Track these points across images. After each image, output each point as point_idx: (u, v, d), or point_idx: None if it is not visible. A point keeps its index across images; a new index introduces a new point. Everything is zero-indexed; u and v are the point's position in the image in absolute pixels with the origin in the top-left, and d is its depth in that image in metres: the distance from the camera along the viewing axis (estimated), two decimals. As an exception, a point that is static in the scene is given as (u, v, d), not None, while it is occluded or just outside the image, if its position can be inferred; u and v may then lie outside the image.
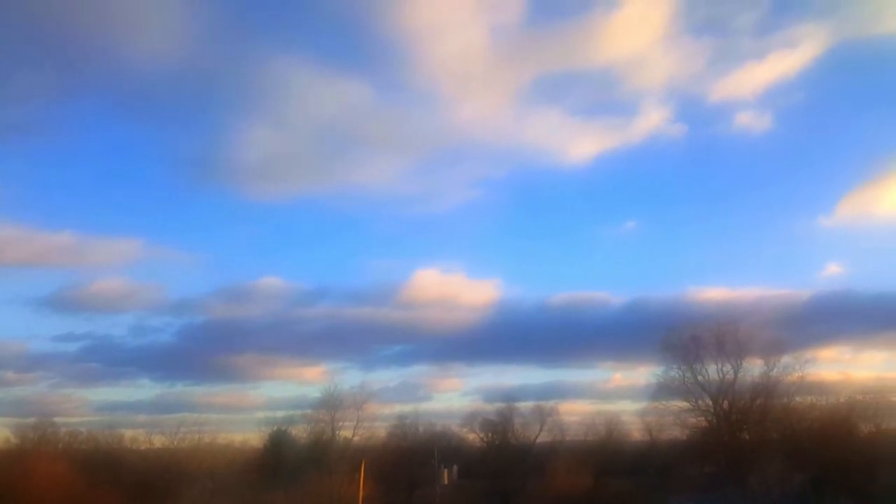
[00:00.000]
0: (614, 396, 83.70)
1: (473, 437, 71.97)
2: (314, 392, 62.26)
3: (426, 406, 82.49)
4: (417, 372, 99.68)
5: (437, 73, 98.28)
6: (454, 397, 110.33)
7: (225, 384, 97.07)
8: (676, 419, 56.35)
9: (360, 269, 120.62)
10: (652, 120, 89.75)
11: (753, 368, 53.97)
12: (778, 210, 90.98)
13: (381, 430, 63.91)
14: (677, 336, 54.58)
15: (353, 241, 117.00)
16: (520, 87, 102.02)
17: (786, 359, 52.83)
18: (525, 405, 68.32)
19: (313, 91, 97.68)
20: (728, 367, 53.91)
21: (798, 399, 53.78)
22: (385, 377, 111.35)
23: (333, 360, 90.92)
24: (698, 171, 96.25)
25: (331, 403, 57.34)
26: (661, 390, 55.80)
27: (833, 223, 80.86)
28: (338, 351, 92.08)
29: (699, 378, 54.38)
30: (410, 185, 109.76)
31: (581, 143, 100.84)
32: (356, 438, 57.02)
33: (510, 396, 69.73)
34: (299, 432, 60.00)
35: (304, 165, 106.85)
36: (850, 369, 72.68)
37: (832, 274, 79.79)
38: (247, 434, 68.81)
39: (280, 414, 63.86)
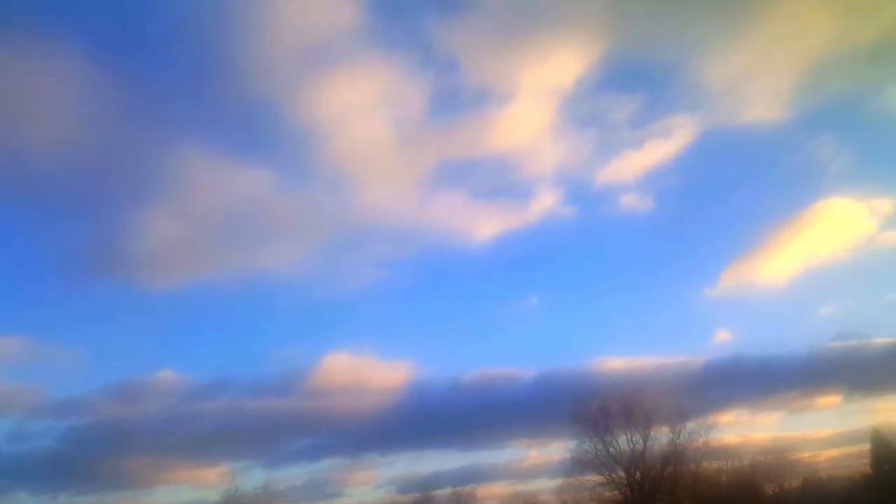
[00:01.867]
0: (531, 475, 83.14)
1: (389, 533, 69.66)
2: (214, 495, 58.53)
3: (338, 503, 78.77)
4: (327, 466, 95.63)
5: (343, 159, 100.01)
6: (367, 491, 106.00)
7: (114, 492, 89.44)
8: (592, 494, 56.30)
9: (264, 359, 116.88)
10: (545, 202, 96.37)
11: (661, 437, 55.11)
12: (667, 282, 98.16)
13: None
14: (586, 408, 55.25)
15: (256, 329, 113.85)
16: (423, 173, 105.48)
17: (690, 425, 54.35)
18: (442, 493, 66.78)
19: (216, 178, 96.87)
20: (637, 437, 54.89)
21: (705, 464, 55.29)
22: (292, 474, 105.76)
23: (235, 459, 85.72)
24: (591, 248, 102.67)
25: None
26: (576, 465, 55.95)
27: (718, 293, 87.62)
28: (239, 448, 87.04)
29: (611, 450, 55.03)
30: (316, 268, 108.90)
31: (482, 225, 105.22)
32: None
33: (426, 485, 68.22)
34: (199, 540, 56.48)
35: (204, 253, 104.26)
36: (749, 431, 75.81)
37: (722, 341, 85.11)
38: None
39: None
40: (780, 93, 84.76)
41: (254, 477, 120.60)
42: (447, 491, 66.95)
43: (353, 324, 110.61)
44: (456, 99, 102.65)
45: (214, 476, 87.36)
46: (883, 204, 78.11)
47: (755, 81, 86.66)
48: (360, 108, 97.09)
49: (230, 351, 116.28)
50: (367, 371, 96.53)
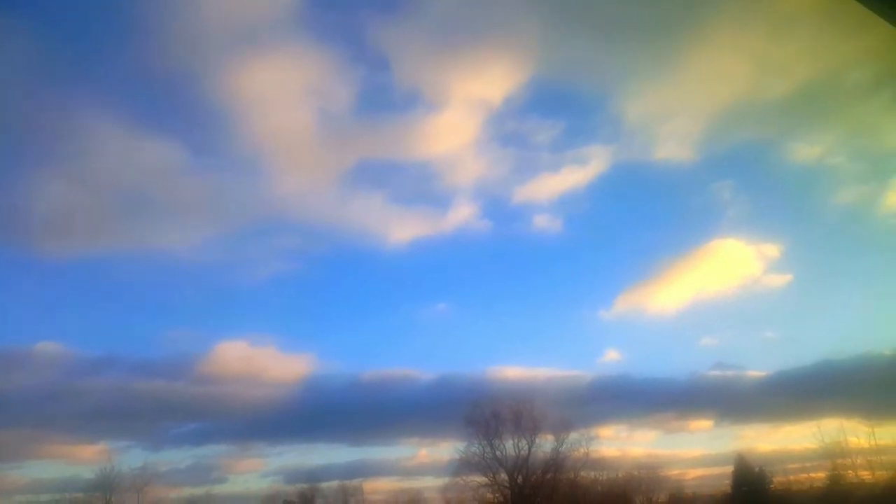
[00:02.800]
0: (419, 473, 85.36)
1: (272, 520, 70.01)
2: (88, 473, 57.52)
3: (220, 489, 78.28)
4: (213, 452, 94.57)
5: (260, 146, 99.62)
6: (253, 479, 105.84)
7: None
8: (475, 494, 59.35)
9: (155, 339, 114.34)
10: (463, 213, 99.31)
11: (545, 444, 58.63)
12: (567, 301, 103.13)
13: (165, 516, 60.65)
14: (479, 412, 58.46)
15: (151, 308, 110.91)
16: (342, 170, 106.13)
17: (573, 435, 58.12)
18: (329, 485, 67.18)
19: (122, 147, 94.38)
20: (523, 443, 58.31)
21: (583, 473, 59.07)
22: (175, 458, 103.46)
23: (115, 438, 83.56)
24: (502, 261, 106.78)
25: (106, 485, 53.97)
26: (463, 466, 58.84)
27: (611, 316, 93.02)
28: (121, 428, 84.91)
29: (497, 453, 58.26)
30: (221, 253, 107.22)
31: (398, 229, 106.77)
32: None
33: (314, 476, 68.16)
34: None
35: (101, 224, 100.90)
36: (627, 446, 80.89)
37: (611, 360, 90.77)
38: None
39: (45, 498, 58.56)
40: (689, 135, 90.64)
41: (133, 457, 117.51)
42: (334, 483, 67.53)
43: (254, 314, 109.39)
44: (384, 100, 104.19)
45: (91, 454, 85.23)
46: (770, 249, 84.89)
47: (669, 122, 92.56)
48: (283, 96, 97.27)
49: (120, 328, 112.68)
50: (263, 361, 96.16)
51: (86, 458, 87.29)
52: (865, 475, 52.48)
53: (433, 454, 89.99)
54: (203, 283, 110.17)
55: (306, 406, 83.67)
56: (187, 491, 68.25)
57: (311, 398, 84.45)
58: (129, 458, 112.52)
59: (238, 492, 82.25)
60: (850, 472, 53.05)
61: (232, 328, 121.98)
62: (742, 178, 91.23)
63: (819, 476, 56.44)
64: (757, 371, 76.55)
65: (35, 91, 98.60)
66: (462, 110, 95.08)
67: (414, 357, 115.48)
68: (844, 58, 71.04)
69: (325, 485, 67.10)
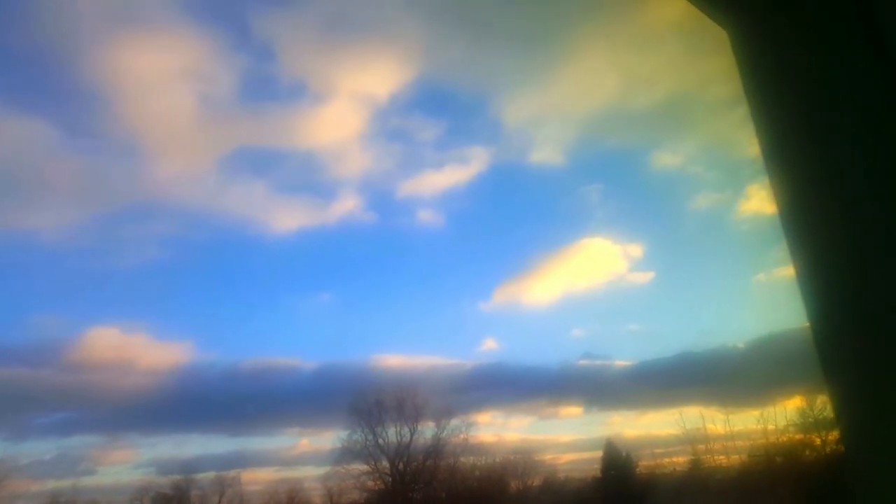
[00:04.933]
0: (300, 462, 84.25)
1: (143, 513, 67.11)
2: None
3: (89, 481, 73.80)
4: (80, 443, 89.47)
5: (136, 128, 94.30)
6: (124, 471, 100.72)
7: None
8: (356, 482, 59.36)
9: (18, 324, 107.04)
10: (347, 205, 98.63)
11: (427, 431, 59.56)
12: (447, 293, 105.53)
13: (26, 511, 56.96)
14: (362, 400, 58.44)
15: (14, 292, 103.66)
16: (223, 156, 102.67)
17: (454, 422, 59.30)
18: (205, 476, 64.89)
19: None
20: (406, 430, 58.92)
21: (462, 459, 60.30)
22: (39, 449, 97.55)
23: (-32, 429, 78.07)
24: (386, 254, 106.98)
25: None
26: (345, 454, 58.74)
27: (489, 308, 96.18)
28: (-22, 418, 79.36)
29: (380, 441, 58.56)
30: (92, 237, 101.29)
31: (282, 218, 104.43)
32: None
33: (189, 468, 65.36)
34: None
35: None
36: (503, 432, 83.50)
37: (489, 349, 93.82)
38: None
39: None
40: (562, 140, 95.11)
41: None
42: (210, 474, 65.18)
43: (127, 300, 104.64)
44: (269, 88, 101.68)
45: (-60, 444, 79.35)
46: (634, 248, 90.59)
47: (544, 128, 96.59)
48: (161, 78, 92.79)
49: None
50: (136, 349, 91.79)
51: None
52: (722, 459, 56.73)
53: (315, 444, 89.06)
54: (72, 268, 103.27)
55: (182, 396, 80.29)
56: (53, 484, 64.02)
57: (188, 388, 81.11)
58: None
59: (108, 484, 77.81)
60: (708, 456, 57.02)
61: (103, 315, 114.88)
62: (610, 182, 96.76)
63: (681, 460, 60.41)
64: (623, 361, 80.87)
65: None
66: (348, 104, 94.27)
67: (297, 346, 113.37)
68: (704, 75, 76.39)
69: (200, 476, 64.76)
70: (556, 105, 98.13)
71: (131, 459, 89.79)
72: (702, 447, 56.89)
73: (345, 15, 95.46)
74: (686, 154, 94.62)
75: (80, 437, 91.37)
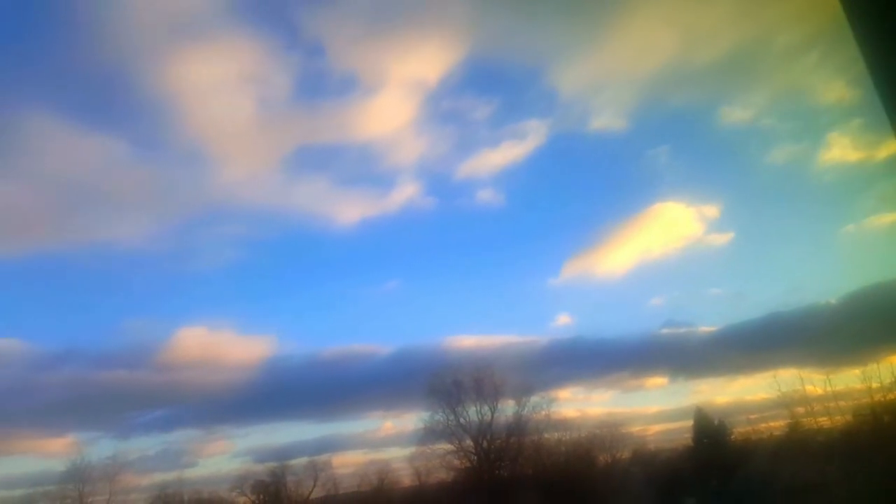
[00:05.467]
0: (385, 444, 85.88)
1: (244, 500, 68.97)
2: (59, 466, 56.69)
3: (191, 473, 76.90)
4: (181, 437, 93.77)
5: (201, 136, 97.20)
6: (222, 461, 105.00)
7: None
8: (442, 461, 59.29)
9: (114, 331, 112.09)
10: (407, 192, 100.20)
11: (507, 409, 58.65)
12: (515, 271, 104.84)
13: (138, 503, 59.67)
14: (440, 381, 57.94)
15: (107, 300, 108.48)
16: (284, 156, 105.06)
17: (534, 399, 58.15)
18: (298, 462, 66.89)
19: (64, 144, 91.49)
20: (486, 409, 58.17)
21: (546, 435, 59.19)
22: (143, 445, 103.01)
23: (83, 430, 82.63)
24: (448, 236, 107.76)
25: (78, 477, 53.52)
26: (428, 435, 58.62)
27: (560, 282, 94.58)
28: (87, 419, 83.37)
29: (461, 420, 58.03)
30: (172, 243, 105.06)
31: (344, 211, 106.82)
32: (110, 514, 52.86)
33: (282, 455, 68.02)
34: (41, 513, 54.37)
35: (49, 220, 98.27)
36: (586, 406, 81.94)
37: (563, 324, 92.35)
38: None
39: (19, 493, 57.74)
40: (623, 105, 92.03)
41: (102, 448, 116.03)
42: (303, 460, 67.17)
43: (209, 300, 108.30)
44: (321, 85, 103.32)
45: (60, 447, 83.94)
46: (709, 210, 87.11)
47: (602, 93, 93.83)
48: (220, 85, 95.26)
49: (79, 321, 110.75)
50: (223, 345, 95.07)
51: (55, 452, 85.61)
52: (824, 421, 53.55)
53: (398, 425, 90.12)
54: (156, 273, 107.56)
55: (269, 386, 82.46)
56: (158, 477, 67.45)
57: (274, 378, 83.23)
58: (98, 448, 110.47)
59: (209, 474, 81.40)
60: (808, 419, 53.98)
61: (189, 315, 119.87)
62: (677, 143, 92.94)
63: (778, 425, 57.52)
64: (707, 326, 78.03)
65: None
66: (399, 91, 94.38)
67: (371, 333, 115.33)
68: (769, 22, 72.24)
69: (294, 462, 66.75)
70: (614, 68, 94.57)
71: (228, 450, 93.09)
72: (800, 410, 53.95)
73: (388, 3, 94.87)
74: (757, 106, 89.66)
75: (180, 432, 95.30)
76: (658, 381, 78.88)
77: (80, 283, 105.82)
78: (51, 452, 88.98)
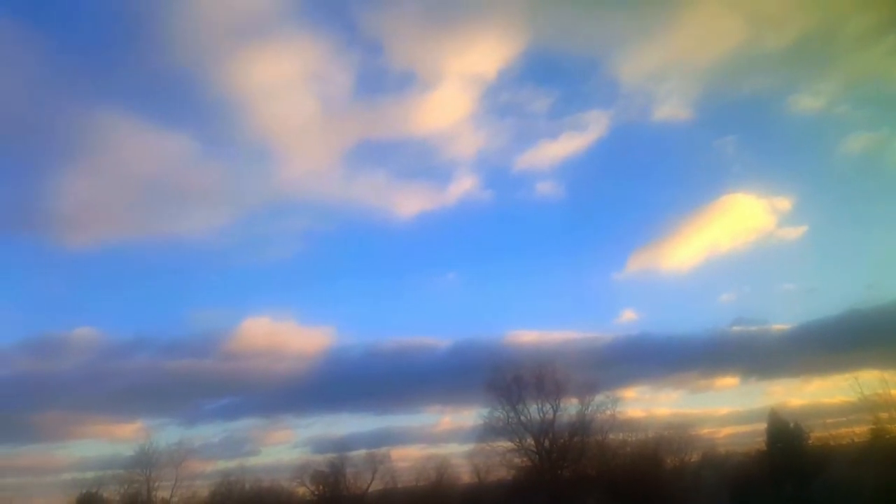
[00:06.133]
0: (444, 440, 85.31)
1: (304, 490, 69.24)
2: (128, 451, 58.29)
3: (253, 461, 78.35)
4: (244, 426, 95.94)
5: (266, 132, 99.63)
6: (283, 450, 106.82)
7: (27, 444, 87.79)
8: (502, 459, 57.87)
9: (183, 320, 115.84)
10: (465, 185, 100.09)
11: (570, 408, 56.77)
12: (577, 264, 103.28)
13: (203, 489, 60.79)
14: (501, 377, 56.48)
15: (175, 291, 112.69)
16: (346, 151, 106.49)
17: (598, 398, 56.10)
18: (357, 454, 67.12)
19: (137, 142, 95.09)
20: (548, 407, 56.46)
21: (611, 436, 57.12)
22: (208, 432, 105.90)
23: (151, 416, 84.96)
24: (507, 229, 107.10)
25: (146, 462, 54.73)
26: (488, 431, 57.26)
27: (625, 276, 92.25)
28: (156, 406, 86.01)
29: (522, 418, 56.47)
30: (238, 237, 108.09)
31: (404, 203, 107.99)
32: (175, 499, 54.38)
33: (341, 446, 68.28)
34: (111, 495, 56.07)
35: (125, 215, 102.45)
36: (652, 407, 79.34)
37: (628, 320, 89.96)
38: (52, 498, 62.33)
39: (90, 475, 58.89)
40: (688, 94, 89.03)
41: (169, 434, 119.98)
42: (362, 452, 67.26)
43: (274, 291, 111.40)
44: (380, 81, 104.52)
45: (129, 432, 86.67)
46: (781, 202, 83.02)
47: (665, 82, 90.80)
48: (284, 83, 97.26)
49: (149, 311, 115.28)
50: (286, 336, 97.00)
51: (125, 436, 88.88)
52: (910, 428, 50.03)
53: (456, 421, 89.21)
54: (223, 265, 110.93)
55: (329, 377, 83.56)
56: (222, 464, 69.10)
57: (333, 369, 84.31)
58: (165, 434, 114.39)
59: (270, 463, 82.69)
60: (893, 425, 50.53)
61: (254, 306, 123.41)
62: (745, 132, 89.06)
63: (860, 431, 54.03)
64: (780, 325, 74.62)
65: (54, 93, 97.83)
66: (457, 85, 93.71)
67: (429, 325, 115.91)
68: (840, 8, 68.03)
69: (353, 454, 67.07)
70: (677, 57, 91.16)
71: (289, 439, 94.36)
72: (884, 415, 50.47)
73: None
74: (829, 94, 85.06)
75: (243, 421, 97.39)
76: (729, 382, 76.02)
77: (151, 275, 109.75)
78: (121, 437, 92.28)
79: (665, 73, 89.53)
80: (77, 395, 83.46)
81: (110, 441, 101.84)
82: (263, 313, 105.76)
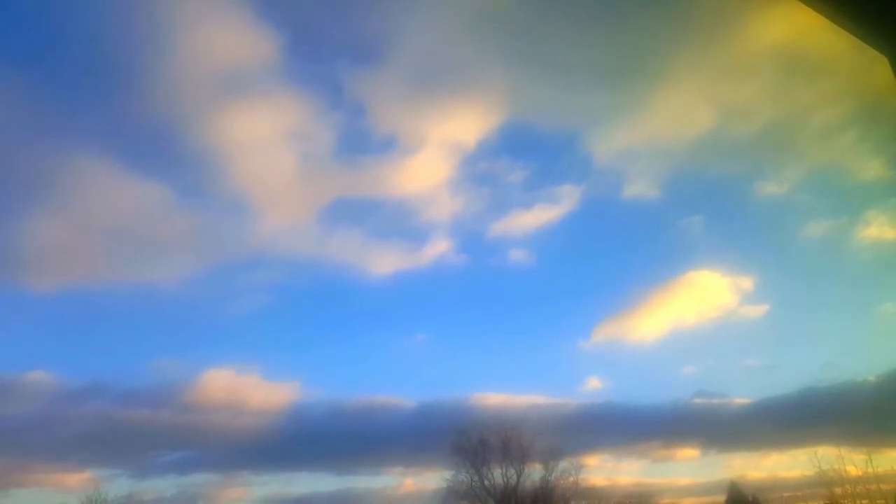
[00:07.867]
0: (405, 503, 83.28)
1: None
2: (75, 501, 56.25)
3: None
4: (198, 481, 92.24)
5: (243, 186, 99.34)
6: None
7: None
8: (464, 525, 57.18)
9: (142, 369, 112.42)
10: (439, 248, 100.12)
11: (534, 473, 56.70)
12: (545, 331, 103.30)
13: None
14: (465, 439, 56.37)
15: (138, 339, 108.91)
16: (323, 208, 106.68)
17: (562, 464, 56.25)
18: None
19: (109, 187, 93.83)
20: (512, 472, 56.33)
21: (573, 503, 57.06)
22: (160, 486, 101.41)
23: (101, 466, 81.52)
24: (478, 293, 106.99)
25: None
26: (451, 495, 56.54)
27: (591, 345, 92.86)
28: (107, 456, 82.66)
29: (486, 482, 56.18)
30: (206, 287, 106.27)
31: (378, 263, 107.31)
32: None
33: None
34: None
35: (88, 259, 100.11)
36: (614, 475, 79.17)
37: (593, 388, 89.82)
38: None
39: None
40: (658, 174, 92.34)
41: (119, 486, 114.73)
42: None
43: (239, 344, 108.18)
44: (362, 142, 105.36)
45: (77, 482, 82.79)
46: (744, 281, 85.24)
47: (637, 162, 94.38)
48: (266, 139, 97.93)
49: (108, 358, 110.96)
50: (248, 390, 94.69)
51: (72, 486, 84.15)
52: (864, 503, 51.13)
53: (419, 483, 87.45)
54: (189, 315, 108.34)
55: (290, 434, 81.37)
56: None
57: (295, 426, 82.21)
58: (115, 486, 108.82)
59: (222, 521, 79.34)
60: (848, 500, 51.58)
61: (217, 358, 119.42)
62: (711, 213, 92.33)
63: (815, 504, 55.01)
64: (741, 399, 75.61)
65: (27, 136, 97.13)
66: (437, 152, 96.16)
67: (396, 385, 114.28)
68: (808, 100, 72.43)
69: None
70: (649, 138, 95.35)
71: (244, 497, 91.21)
72: (839, 490, 51.62)
73: (430, 68, 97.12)
74: (793, 181, 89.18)
75: (198, 475, 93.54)
76: (689, 453, 76.32)
77: (114, 322, 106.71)
78: (68, 487, 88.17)
79: (637, 153, 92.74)
80: (24, 441, 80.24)
81: (56, 491, 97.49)
82: (227, 366, 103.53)
